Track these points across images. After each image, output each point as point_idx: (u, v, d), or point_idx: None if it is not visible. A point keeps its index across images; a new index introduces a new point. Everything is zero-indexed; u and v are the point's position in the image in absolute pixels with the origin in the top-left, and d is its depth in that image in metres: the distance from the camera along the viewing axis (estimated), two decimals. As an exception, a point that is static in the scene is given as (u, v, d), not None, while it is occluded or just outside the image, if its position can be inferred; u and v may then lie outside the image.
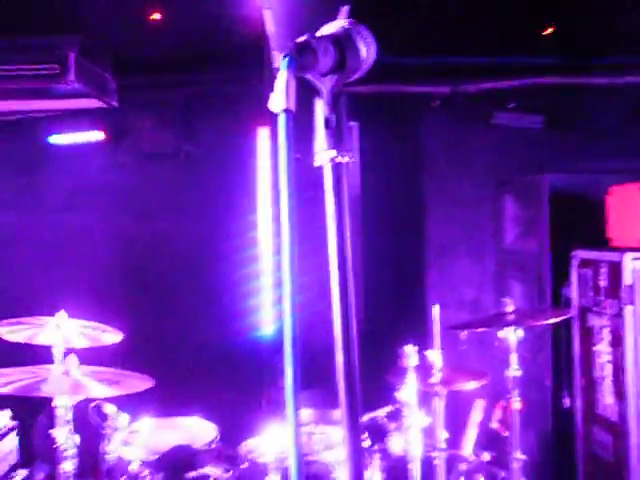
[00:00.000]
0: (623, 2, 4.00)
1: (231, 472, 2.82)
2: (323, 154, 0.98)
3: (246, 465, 2.64)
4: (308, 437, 2.64)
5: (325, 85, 0.98)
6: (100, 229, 4.45)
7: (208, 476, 2.90)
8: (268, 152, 4.43)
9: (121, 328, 2.92)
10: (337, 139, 0.98)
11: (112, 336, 2.85)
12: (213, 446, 3.05)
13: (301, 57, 0.89)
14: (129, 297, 4.33)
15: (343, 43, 0.96)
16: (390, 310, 4.26)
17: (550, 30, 4.32)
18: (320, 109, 0.98)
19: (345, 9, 1.53)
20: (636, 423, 2.90)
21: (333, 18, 1.05)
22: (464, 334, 4.26)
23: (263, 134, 4.45)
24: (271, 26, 2.90)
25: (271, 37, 3.09)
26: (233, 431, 3.12)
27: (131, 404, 2.96)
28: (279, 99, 0.87)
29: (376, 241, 4.36)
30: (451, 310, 4.43)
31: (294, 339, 0.97)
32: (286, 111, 0.89)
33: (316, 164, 1.00)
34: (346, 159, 0.99)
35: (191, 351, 4.26)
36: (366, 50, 0.98)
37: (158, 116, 4.51)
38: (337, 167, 0.99)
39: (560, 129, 4.55)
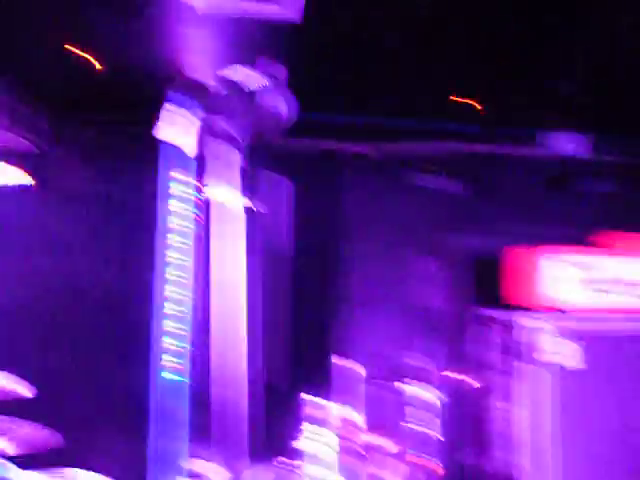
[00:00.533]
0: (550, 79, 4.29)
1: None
2: (236, 201, 0.97)
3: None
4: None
5: (241, 135, 0.97)
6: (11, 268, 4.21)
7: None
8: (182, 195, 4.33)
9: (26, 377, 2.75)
10: (251, 189, 0.97)
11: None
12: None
13: (210, 100, 0.89)
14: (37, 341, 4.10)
15: (262, 96, 0.96)
16: (306, 363, 4.20)
17: (471, 100, 4.57)
18: (234, 157, 0.97)
19: (271, 64, 1.56)
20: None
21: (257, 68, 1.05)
22: (377, 390, 4.28)
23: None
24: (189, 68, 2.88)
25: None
26: None
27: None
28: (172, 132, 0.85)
29: (296, 291, 4.33)
30: (366, 366, 4.42)
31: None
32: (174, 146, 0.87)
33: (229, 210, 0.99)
34: (259, 208, 0.98)
35: (92, 399, 4.03)
36: (285, 107, 0.98)
37: (75, 156, 4.37)
38: (251, 215, 0.98)
39: (476, 194, 4.74)
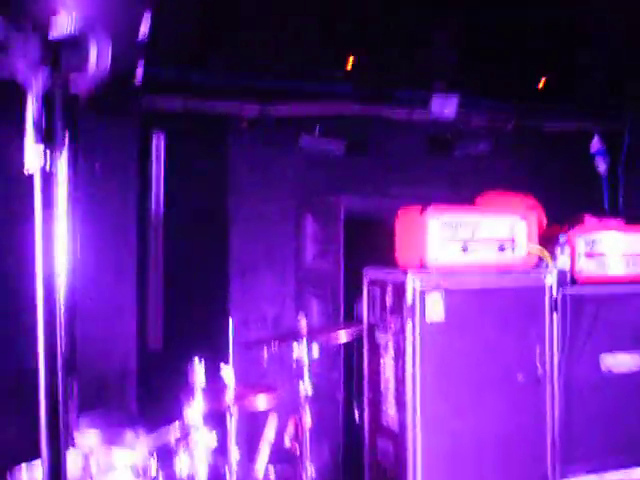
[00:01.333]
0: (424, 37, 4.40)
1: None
2: (33, 156, 0.91)
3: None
4: (87, 459, 2.47)
5: (37, 81, 0.90)
6: None
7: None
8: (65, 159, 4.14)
9: None
10: (48, 141, 0.92)
11: None
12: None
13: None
14: None
15: (65, 42, 0.90)
16: (190, 327, 4.18)
17: (353, 59, 4.61)
18: (31, 106, 0.91)
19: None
20: (412, 431, 3.12)
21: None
22: (265, 352, 4.32)
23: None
24: None
25: None
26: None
27: None
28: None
29: (178, 257, 4.27)
30: (253, 328, 4.46)
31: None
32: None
33: (26, 168, 0.93)
34: (57, 163, 0.92)
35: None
36: (96, 55, 0.93)
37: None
38: (46, 171, 0.92)
39: (359, 156, 4.84)
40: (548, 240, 3.55)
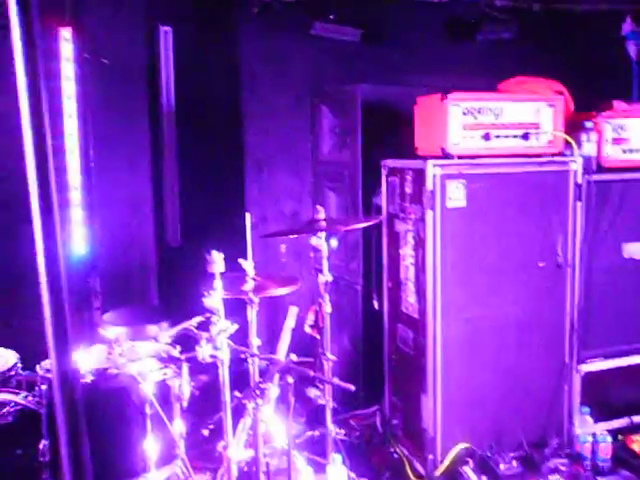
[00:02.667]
0: None
1: (30, 397, 2.65)
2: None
3: (45, 386, 2.47)
4: (113, 351, 2.52)
5: None
6: None
7: (6, 402, 2.70)
8: (71, 56, 4.00)
9: None
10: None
11: None
12: (12, 373, 2.84)
13: None
14: None
15: None
16: (208, 222, 4.17)
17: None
18: None
19: None
20: (432, 317, 3.14)
21: None
22: (283, 246, 4.33)
23: (65, 35, 4.00)
24: None
25: None
26: (40, 357, 2.92)
27: None
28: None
29: (192, 151, 4.19)
30: (271, 222, 4.45)
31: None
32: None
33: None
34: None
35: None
36: None
37: None
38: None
39: (376, 43, 4.61)
40: (574, 126, 3.40)
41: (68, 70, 3.95)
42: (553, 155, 3.32)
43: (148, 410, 2.41)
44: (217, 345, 2.38)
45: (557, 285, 3.36)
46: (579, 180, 3.35)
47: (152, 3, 4.22)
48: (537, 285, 3.32)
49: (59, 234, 0.92)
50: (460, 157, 3.14)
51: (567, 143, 3.33)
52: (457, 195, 3.14)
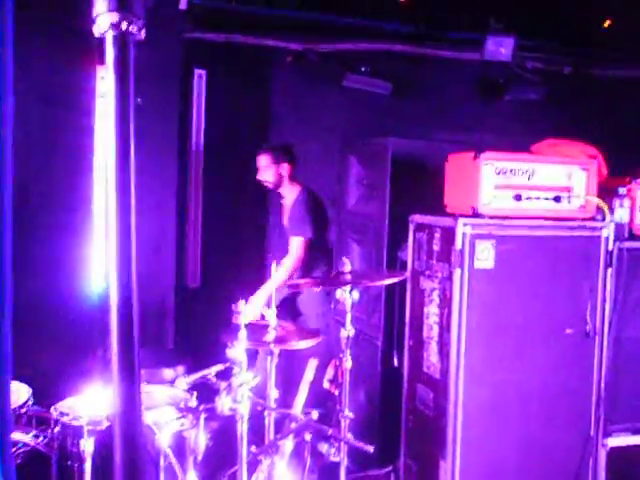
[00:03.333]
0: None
1: (41, 438, 2.58)
2: (103, 19, 0.79)
3: (58, 429, 2.41)
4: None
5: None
6: None
7: (15, 442, 2.63)
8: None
9: None
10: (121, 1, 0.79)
11: None
12: (24, 410, 2.77)
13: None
14: None
15: None
16: (229, 268, 4.15)
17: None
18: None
19: None
20: (454, 378, 3.05)
21: None
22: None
23: (101, 73, 4.07)
24: None
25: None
26: (54, 394, 2.86)
27: None
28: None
29: (217, 192, 4.20)
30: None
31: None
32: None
33: (95, 33, 0.81)
34: (134, 28, 0.80)
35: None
36: None
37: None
38: (121, 37, 0.80)
39: (407, 97, 4.66)
40: (607, 191, 3.37)
41: (102, 107, 4.01)
42: (584, 220, 3.27)
43: (162, 462, 2.33)
44: (237, 398, 2.32)
45: (584, 354, 3.27)
46: (610, 247, 3.29)
47: (189, 46, 4.30)
48: (564, 352, 3.23)
49: (133, 259, 0.88)
50: (491, 217, 3.11)
51: (599, 208, 3.28)
52: (486, 256, 3.09)
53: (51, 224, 3.87)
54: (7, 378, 0.76)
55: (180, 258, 4.20)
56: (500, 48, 4.38)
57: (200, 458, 2.49)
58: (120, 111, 0.80)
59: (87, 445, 2.26)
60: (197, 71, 4.35)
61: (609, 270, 3.29)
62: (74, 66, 3.99)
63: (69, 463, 2.38)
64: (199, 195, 4.21)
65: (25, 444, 2.57)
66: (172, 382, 2.75)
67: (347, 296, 2.96)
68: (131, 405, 0.86)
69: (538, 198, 3.21)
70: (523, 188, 3.17)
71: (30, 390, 2.88)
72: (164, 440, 2.33)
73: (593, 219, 3.31)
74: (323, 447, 3.85)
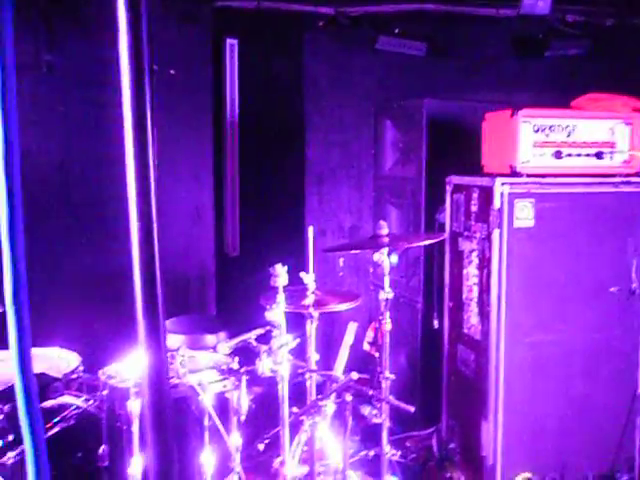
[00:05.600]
0: None
1: (91, 401, 2.68)
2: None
3: (106, 392, 2.50)
4: (174, 361, 2.52)
5: None
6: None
7: (68, 405, 2.73)
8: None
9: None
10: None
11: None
12: (74, 376, 2.88)
13: None
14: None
15: None
16: (269, 234, 4.18)
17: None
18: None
19: None
20: (495, 340, 3.04)
21: None
22: (342, 260, 4.28)
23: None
24: None
25: None
26: (104, 363, 2.96)
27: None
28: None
29: (254, 162, 4.22)
30: (329, 236, 4.42)
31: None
32: None
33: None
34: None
35: (54, 275, 3.96)
36: None
37: (14, 22, 4.01)
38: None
39: (442, 57, 4.55)
40: (653, 145, 3.25)
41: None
42: (629, 175, 3.18)
43: (206, 422, 2.40)
44: (277, 360, 2.35)
45: (630, 312, 3.20)
46: (657, 202, 3.19)
47: (219, 16, 4.28)
48: (608, 311, 3.17)
49: (155, 231, 0.89)
50: (529, 175, 3.05)
51: (644, 163, 3.18)
52: (525, 215, 3.04)
53: (96, 199, 3.95)
54: (28, 351, 0.79)
55: (219, 227, 4.25)
56: (538, 1, 4.22)
57: (243, 419, 2.55)
58: (134, 73, 0.80)
59: (134, 406, 2.33)
60: (229, 40, 4.33)
61: (655, 226, 3.20)
62: (106, 39, 4.02)
63: (118, 424, 2.47)
64: (235, 164, 4.24)
65: (77, 407, 2.67)
66: (214, 348, 2.81)
67: (385, 259, 2.95)
68: (158, 365, 0.89)
69: (579, 155, 3.13)
70: (563, 145, 3.09)
71: (80, 358, 2.99)
72: (207, 401, 2.39)
73: (638, 175, 3.21)
74: (365, 409, 3.89)
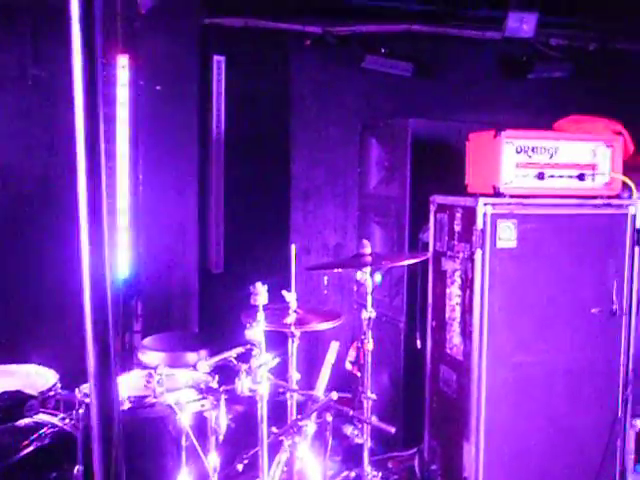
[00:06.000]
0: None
1: (67, 420, 2.63)
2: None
3: (82, 410, 2.45)
4: (151, 379, 2.49)
5: None
6: None
7: (44, 424, 2.68)
8: (127, 82, 4.09)
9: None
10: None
11: None
12: (52, 393, 2.83)
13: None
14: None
15: None
16: (253, 251, 4.16)
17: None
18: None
19: None
20: (477, 360, 3.03)
21: None
22: (326, 278, 4.27)
23: (122, 62, 4.10)
24: None
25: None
26: (80, 378, 2.91)
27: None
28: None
29: (239, 178, 4.21)
30: (314, 254, 4.41)
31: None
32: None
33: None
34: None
35: (33, 293, 3.92)
36: None
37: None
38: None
39: (428, 78, 4.59)
40: (634, 168, 3.29)
41: (122, 96, 4.04)
42: (610, 197, 3.21)
43: (184, 442, 2.36)
44: (257, 379, 2.33)
45: (611, 334, 3.21)
46: (638, 224, 3.22)
47: (207, 33, 4.30)
48: (589, 333, 3.18)
49: (106, 253, 0.89)
50: (512, 196, 3.06)
51: (625, 185, 3.21)
52: (508, 235, 3.05)
53: (73, 212, 3.92)
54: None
55: (203, 244, 4.23)
56: (522, 24, 4.28)
57: (222, 439, 2.51)
58: (86, 76, 0.79)
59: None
60: (216, 57, 4.34)
61: (636, 248, 3.22)
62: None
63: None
64: (221, 181, 4.23)
65: (53, 425, 2.62)
66: (194, 366, 2.78)
67: (368, 278, 2.95)
68: (107, 392, 0.88)
69: (561, 176, 3.16)
70: (546, 166, 3.12)
71: (57, 375, 2.94)
72: (185, 420, 2.36)
73: (619, 197, 3.24)
74: (347, 429, 3.86)
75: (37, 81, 4.09)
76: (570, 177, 3.16)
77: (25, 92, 4.06)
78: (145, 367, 3.07)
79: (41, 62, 4.13)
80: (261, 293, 2.34)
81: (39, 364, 3.07)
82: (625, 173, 3.22)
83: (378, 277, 3.92)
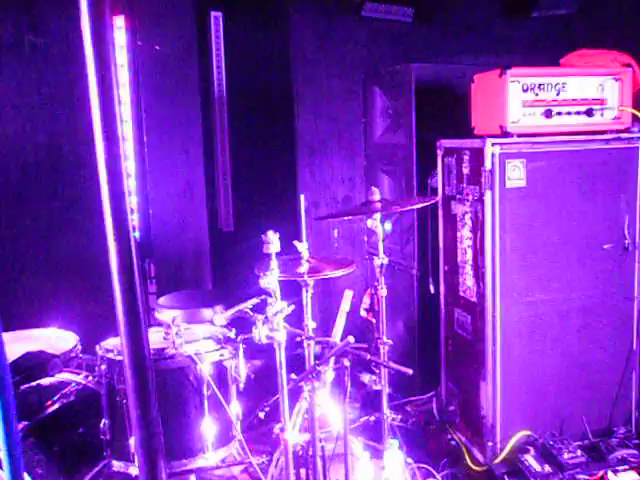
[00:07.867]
0: None
1: (90, 377, 2.69)
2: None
3: (104, 366, 2.50)
4: (170, 332, 2.53)
5: None
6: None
7: (67, 382, 2.75)
8: (125, 43, 4.04)
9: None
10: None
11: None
12: (73, 354, 2.89)
13: None
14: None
15: None
16: (261, 207, 4.16)
17: None
18: None
19: None
20: (491, 301, 3.04)
21: None
22: (336, 231, 4.28)
23: (118, 23, 4.04)
24: None
25: None
26: (100, 340, 2.97)
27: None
28: None
29: (244, 135, 4.18)
30: (323, 207, 4.41)
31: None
32: None
33: None
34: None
35: (48, 257, 3.95)
36: None
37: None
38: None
39: (429, 22, 4.51)
40: (643, 100, 3.23)
41: (121, 58, 3.99)
42: (619, 132, 3.17)
43: (205, 391, 2.41)
44: (273, 327, 2.35)
45: (624, 268, 3.21)
46: (648, 158, 3.18)
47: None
48: (602, 268, 3.18)
49: (128, 208, 0.90)
50: (520, 135, 3.03)
51: (635, 118, 3.17)
52: (517, 175, 3.03)
53: (87, 178, 3.93)
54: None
55: (212, 203, 4.23)
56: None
57: (242, 387, 2.56)
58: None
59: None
60: (213, 13, 4.27)
61: (647, 182, 3.19)
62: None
63: (118, 399, 2.48)
64: (225, 139, 4.20)
65: (77, 383, 2.68)
66: (211, 321, 2.81)
67: (378, 225, 2.95)
68: (138, 343, 0.90)
69: (569, 113, 3.11)
70: (553, 103, 3.07)
71: (77, 337, 2.99)
72: (205, 370, 2.40)
73: (629, 130, 3.20)
74: (365, 377, 3.91)
75: (33, 48, 4.05)
76: (578, 113, 3.12)
77: (23, 59, 4.02)
78: (162, 325, 3.11)
79: (37, 29, 4.09)
80: (273, 241, 2.34)
81: (59, 327, 3.13)
82: (635, 106, 3.16)
83: (388, 225, 3.93)
